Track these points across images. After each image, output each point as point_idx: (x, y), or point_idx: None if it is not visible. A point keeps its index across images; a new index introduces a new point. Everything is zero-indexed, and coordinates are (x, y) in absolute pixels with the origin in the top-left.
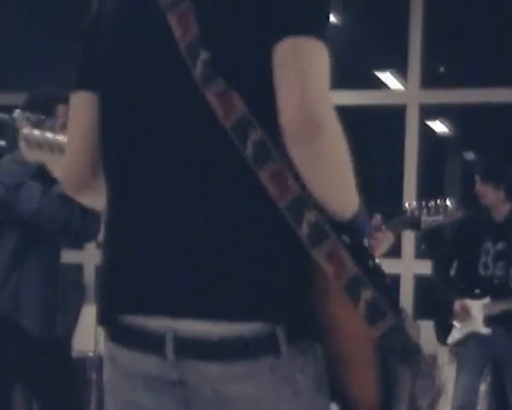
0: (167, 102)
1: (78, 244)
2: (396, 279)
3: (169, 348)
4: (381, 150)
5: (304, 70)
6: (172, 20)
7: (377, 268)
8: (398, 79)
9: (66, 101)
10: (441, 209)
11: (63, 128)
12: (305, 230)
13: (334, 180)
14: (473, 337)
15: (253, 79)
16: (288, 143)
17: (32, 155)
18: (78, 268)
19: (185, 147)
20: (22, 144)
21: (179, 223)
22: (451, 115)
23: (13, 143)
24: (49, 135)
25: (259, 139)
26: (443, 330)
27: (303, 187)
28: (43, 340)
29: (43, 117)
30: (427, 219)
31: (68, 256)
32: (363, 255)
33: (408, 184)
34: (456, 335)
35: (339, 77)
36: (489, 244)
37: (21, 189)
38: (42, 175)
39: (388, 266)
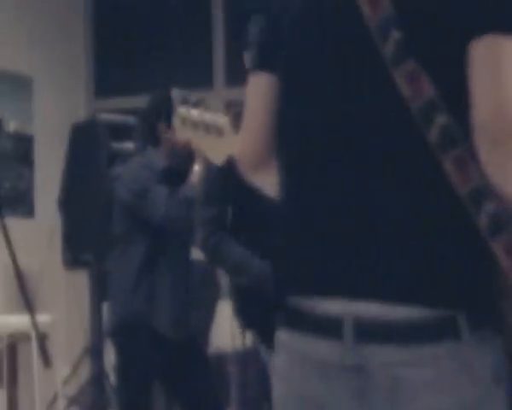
0: (353, 83)
1: None
2: None
3: (348, 332)
4: None
5: (502, 74)
6: None
7: None
8: None
9: None
10: None
11: None
12: (483, 219)
13: None
14: None
15: (444, 64)
16: (478, 142)
17: (184, 135)
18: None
19: (369, 129)
20: (177, 123)
21: (361, 206)
22: None
23: (140, 146)
24: (207, 116)
25: (445, 124)
26: None
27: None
28: (178, 340)
29: (201, 97)
30: None
31: (201, 253)
32: None
33: None
34: None
35: None
36: None
37: (148, 194)
38: (169, 178)
39: None
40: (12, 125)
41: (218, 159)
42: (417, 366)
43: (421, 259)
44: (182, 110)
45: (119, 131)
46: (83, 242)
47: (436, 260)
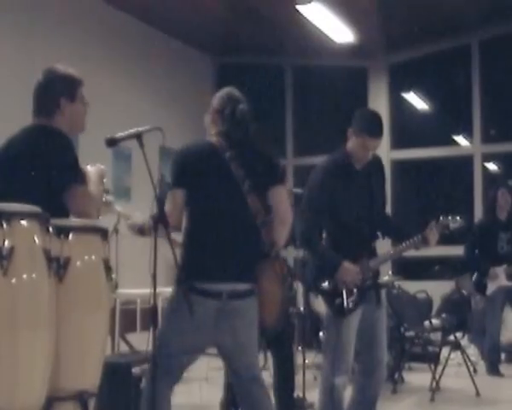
0: (232, 198)
1: None
2: None
3: (224, 296)
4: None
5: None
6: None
7: None
8: (466, 139)
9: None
10: (456, 219)
11: None
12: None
13: None
14: (499, 289)
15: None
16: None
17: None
18: None
19: (239, 212)
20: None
21: (237, 240)
22: (502, 159)
23: None
24: None
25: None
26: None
27: None
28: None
29: None
30: (452, 226)
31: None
32: None
33: (477, 205)
34: (490, 289)
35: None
36: (503, 235)
37: None
38: None
39: None
40: None
41: None
42: (246, 306)
43: (249, 261)
44: None
45: None
46: None
47: (251, 261)
